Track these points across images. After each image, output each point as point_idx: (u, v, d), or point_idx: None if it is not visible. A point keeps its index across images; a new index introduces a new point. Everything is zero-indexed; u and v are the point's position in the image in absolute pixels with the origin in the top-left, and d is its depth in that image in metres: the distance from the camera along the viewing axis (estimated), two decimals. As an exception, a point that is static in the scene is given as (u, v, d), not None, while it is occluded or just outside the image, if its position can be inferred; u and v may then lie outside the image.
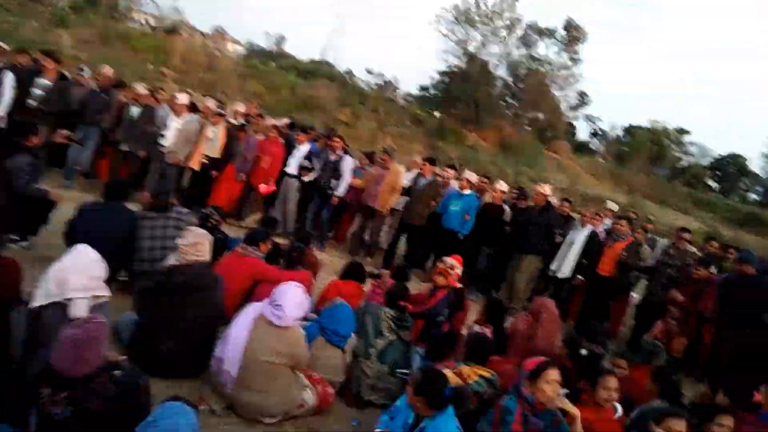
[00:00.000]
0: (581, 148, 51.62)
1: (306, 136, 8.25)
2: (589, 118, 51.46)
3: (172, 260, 3.78)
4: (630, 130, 48.98)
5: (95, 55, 28.55)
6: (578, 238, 7.60)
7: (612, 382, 3.64)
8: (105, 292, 3.14)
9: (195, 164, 7.76)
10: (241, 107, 8.98)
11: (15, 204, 4.72)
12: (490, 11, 39.65)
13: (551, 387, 3.08)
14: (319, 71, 41.54)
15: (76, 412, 2.23)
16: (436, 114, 41.39)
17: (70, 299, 2.97)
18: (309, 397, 3.64)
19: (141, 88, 7.82)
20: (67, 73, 7.54)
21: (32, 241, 5.08)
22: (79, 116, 7.41)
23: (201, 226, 5.07)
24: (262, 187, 8.00)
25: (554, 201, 8.60)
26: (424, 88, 42.65)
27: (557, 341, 4.88)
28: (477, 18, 40.28)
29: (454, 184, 8.44)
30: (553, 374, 3.10)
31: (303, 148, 8.16)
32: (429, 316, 4.67)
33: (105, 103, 7.52)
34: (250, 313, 3.50)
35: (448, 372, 3.67)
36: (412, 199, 8.06)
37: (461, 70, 39.13)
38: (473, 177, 8.20)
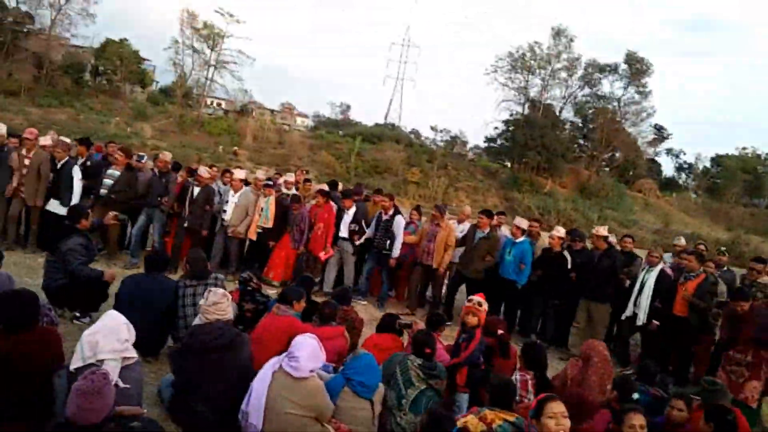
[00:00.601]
0: (668, 184, 49.17)
1: (351, 200, 8.53)
2: (671, 152, 49.24)
3: (196, 321, 4.04)
4: (718, 160, 46.32)
5: (174, 142, 31.00)
6: (648, 279, 7.25)
7: (637, 419, 3.52)
8: (133, 353, 3.41)
9: (252, 235, 8.29)
10: (290, 177, 9.51)
11: (75, 283, 5.23)
12: (546, 54, 39.38)
13: (554, 421, 3.02)
14: (384, 134, 42.60)
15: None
16: (507, 164, 41.00)
17: (102, 361, 3.24)
18: (339, 452, 3.69)
19: (203, 171, 8.44)
20: (132, 163, 8.32)
21: (93, 317, 5.52)
22: (144, 200, 8.19)
23: (242, 290, 5.41)
24: (322, 254, 8.29)
25: (613, 240, 8.33)
26: (490, 140, 42.57)
27: (608, 385, 4.71)
28: (534, 62, 40.16)
29: (506, 231, 8.38)
30: (555, 407, 3.04)
31: (350, 212, 8.45)
32: (469, 363, 4.65)
33: (164, 187, 8.21)
34: (269, 366, 3.67)
35: (471, 417, 3.65)
36: (467, 252, 8.06)
37: (525, 117, 38.91)
38: (524, 223, 8.10)
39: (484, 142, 43.97)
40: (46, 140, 8.02)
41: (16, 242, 7.89)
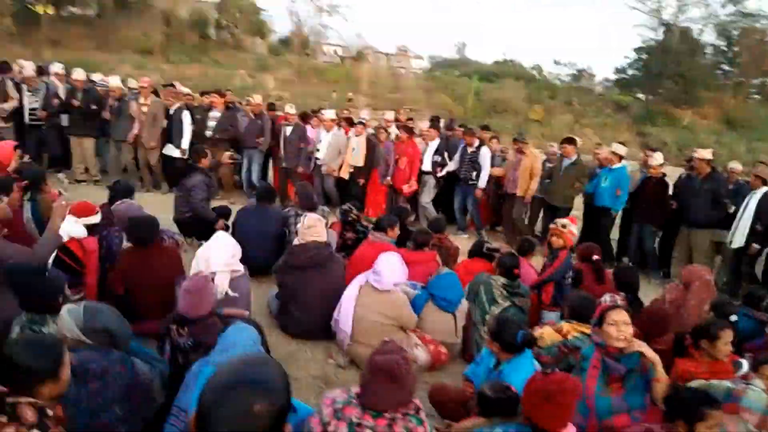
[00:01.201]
0: (826, 107, 42.63)
1: (436, 132, 8.61)
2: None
3: (295, 241, 4.50)
4: None
5: (295, 91, 32.22)
6: (750, 202, 6.76)
7: (728, 335, 3.44)
8: (240, 267, 3.93)
9: (344, 173, 8.66)
10: (389, 115, 9.76)
11: (197, 216, 5.94)
12: (682, -31, 34.93)
13: (615, 328, 3.08)
14: (503, 72, 40.97)
15: (196, 343, 2.95)
16: (640, 97, 37.84)
17: (214, 273, 3.77)
18: (421, 354, 4.05)
19: (289, 109, 8.94)
20: (231, 104, 9.04)
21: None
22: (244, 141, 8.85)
23: (343, 220, 5.83)
24: (405, 188, 8.48)
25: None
26: (620, 71, 39.18)
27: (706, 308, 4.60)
28: (668, -20, 35.87)
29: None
30: (617, 316, 3.09)
31: (432, 144, 8.54)
32: (555, 281, 4.75)
33: (260, 128, 8.78)
34: (357, 281, 4.06)
35: (547, 329, 3.81)
36: (554, 180, 7.92)
37: (659, 43, 35.31)
38: (621, 149, 7.80)
39: (614, 73, 40.64)
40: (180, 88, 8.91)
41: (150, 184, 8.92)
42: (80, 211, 4.02)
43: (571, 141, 7.93)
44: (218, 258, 3.80)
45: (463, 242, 7.09)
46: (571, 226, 5.00)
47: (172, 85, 9.28)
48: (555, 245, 4.93)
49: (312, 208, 5.65)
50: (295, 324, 4.34)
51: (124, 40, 41.68)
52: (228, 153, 7.59)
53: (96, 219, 4.08)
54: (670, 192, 7.46)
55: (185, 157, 8.24)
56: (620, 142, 8.47)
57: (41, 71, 8.97)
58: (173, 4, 42.03)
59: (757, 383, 2.99)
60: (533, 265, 5.36)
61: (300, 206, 5.73)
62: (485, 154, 8.24)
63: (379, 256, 4.05)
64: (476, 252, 5.26)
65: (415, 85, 36.16)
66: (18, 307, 2.85)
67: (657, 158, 7.56)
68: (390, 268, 3.96)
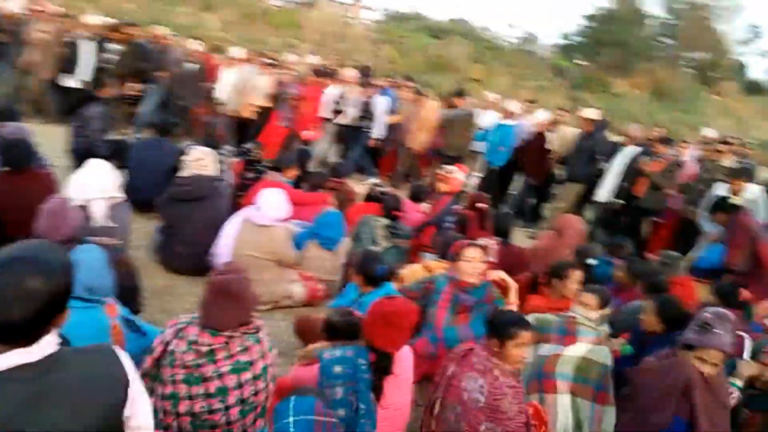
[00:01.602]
0: (753, 88, 45.04)
1: (330, 80, 8.52)
2: (764, 54, 44.86)
3: (181, 173, 4.51)
4: (815, 61, 41.85)
5: (240, 34, 31.09)
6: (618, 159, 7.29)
7: (577, 275, 3.73)
8: (118, 195, 3.89)
9: (246, 113, 8.25)
10: (311, 59, 9.61)
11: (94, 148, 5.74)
12: (638, -61, 35.30)
13: (471, 265, 3.31)
14: (453, 30, 40.74)
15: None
16: (580, 63, 38.54)
17: (89, 200, 3.75)
18: (297, 290, 4.23)
19: (195, 45, 8.62)
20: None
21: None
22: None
23: (244, 160, 5.84)
24: (305, 133, 8.31)
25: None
26: (566, 37, 39.77)
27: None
28: (621, -51, 36.38)
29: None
30: (472, 253, 3.31)
31: (333, 92, 8.41)
32: (436, 223, 4.97)
33: (159, 60, 8.35)
34: (238, 216, 4.13)
35: (416, 266, 4.02)
36: (447, 131, 8.16)
37: (610, 12, 35.87)
38: (513, 105, 8.28)
39: (560, 38, 41.16)
40: (93, 19, 8.42)
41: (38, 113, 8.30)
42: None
43: (460, 94, 8.37)
44: (92, 184, 3.75)
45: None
46: (457, 173, 5.21)
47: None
48: (440, 190, 5.15)
49: (214, 146, 5.60)
50: (174, 258, 4.38)
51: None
52: (132, 84, 7.31)
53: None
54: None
55: (79, 87, 7.90)
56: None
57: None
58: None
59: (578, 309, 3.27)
60: (424, 211, 5.56)
61: (203, 142, 5.66)
62: (380, 103, 8.36)
63: (261, 191, 4.13)
64: (369, 196, 5.42)
65: (364, 37, 35.50)
66: None
67: (540, 115, 8.18)
68: (271, 203, 4.05)
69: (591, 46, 34.95)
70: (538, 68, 36.32)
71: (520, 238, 6.79)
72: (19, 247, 1.33)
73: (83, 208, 3.67)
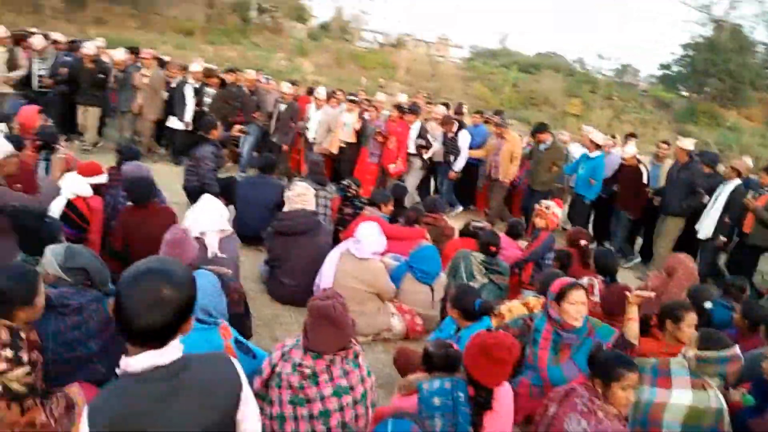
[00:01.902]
0: None
1: (414, 116, 8.53)
2: None
3: (285, 208, 4.73)
4: None
5: (331, 76, 32.43)
6: (721, 194, 6.79)
7: (692, 318, 3.51)
8: (228, 227, 4.16)
9: (334, 148, 8.61)
10: (402, 98, 9.84)
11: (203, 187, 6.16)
12: (734, -36, 33.62)
13: (575, 308, 3.19)
14: (544, 64, 40.36)
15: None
16: (684, 94, 36.75)
17: (203, 233, 4.02)
18: (397, 323, 4.27)
19: (285, 87, 9.01)
20: (227, 81, 9.16)
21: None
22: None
23: (342, 196, 6.03)
24: (392, 168, 8.43)
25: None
26: (665, 67, 38.17)
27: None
28: (720, -24, 34.59)
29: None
30: (577, 296, 3.20)
31: (414, 127, 8.45)
32: (535, 260, 4.88)
33: (256, 103, 8.95)
34: (338, 249, 4.27)
35: (515, 302, 3.95)
36: (532, 164, 8.17)
37: (708, 41, 34.18)
38: (598, 137, 7.93)
39: (659, 69, 39.55)
40: (195, 66, 9.16)
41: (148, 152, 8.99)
42: (87, 170, 4.31)
43: (544, 128, 8.18)
44: (206, 218, 4.03)
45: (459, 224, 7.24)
46: (554, 208, 5.12)
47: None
48: (537, 225, 5.08)
49: (322, 183, 5.86)
50: (280, 288, 4.59)
51: (166, 20, 42.50)
52: (238, 126, 7.85)
53: (102, 179, 4.37)
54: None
55: (189, 129, 8.53)
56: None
57: (72, 46, 9.39)
58: (218, -14, 42.80)
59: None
60: (521, 247, 5.48)
61: (311, 179, 5.90)
62: (464, 138, 8.42)
63: (359, 225, 4.25)
64: (465, 231, 5.42)
65: (453, 74, 35.92)
66: (17, 252, 3.12)
67: (629, 148, 7.73)
68: (368, 237, 4.15)
69: (694, 76, 33.25)
70: (638, 100, 35.05)
71: (626, 276, 6.52)
72: (153, 261, 1.51)
73: (199, 239, 3.94)
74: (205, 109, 8.76)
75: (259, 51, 39.08)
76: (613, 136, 8.66)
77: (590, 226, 8.28)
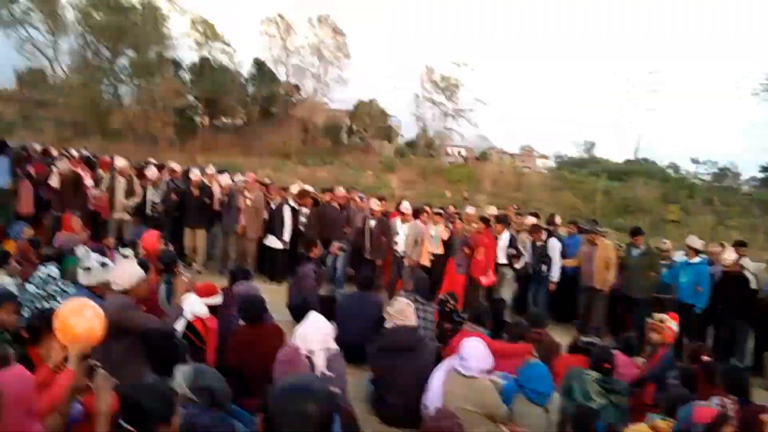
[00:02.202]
0: None
1: (502, 226, 8.59)
2: None
3: (387, 325, 4.73)
4: None
5: (418, 190, 33.46)
6: None
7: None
8: (335, 346, 4.20)
9: (425, 260, 8.75)
10: (492, 209, 9.95)
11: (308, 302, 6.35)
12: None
13: None
14: (634, 171, 39.85)
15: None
16: (793, 198, 34.56)
17: (312, 351, 4.10)
18: (512, 448, 4.01)
19: (374, 204, 9.38)
20: (319, 200, 9.74)
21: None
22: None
23: (440, 311, 6.00)
24: (483, 279, 8.39)
25: None
26: (766, 169, 36.65)
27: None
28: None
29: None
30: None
31: (503, 237, 8.50)
32: (656, 379, 4.53)
33: (345, 219, 9.31)
34: (444, 367, 4.17)
35: (642, 426, 3.65)
36: (627, 271, 7.91)
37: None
38: (696, 242, 7.63)
39: (760, 171, 38.00)
40: (294, 188, 9.78)
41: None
42: (204, 292, 4.57)
43: (638, 232, 8.09)
44: (313, 336, 4.10)
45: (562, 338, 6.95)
46: (669, 321, 4.82)
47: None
48: (654, 341, 4.75)
49: (427, 298, 5.90)
50: (387, 408, 4.50)
51: (265, 145, 46.24)
52: (338, 244, 8.15)
53: (218, 300, 4.61)
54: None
55: (286, 248, 8.98)
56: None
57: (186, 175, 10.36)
58: (311, 113, 46.62)
59: None
60: (638, 365, 5.13)
61: (416, 294, 5.94)
62: (554, 247, 8.29)
63: (463, 342, 4.17)
64: (574, 347, 5.17)
65: (540, 184, 36.06)
66: (147, 372, 3.31)
67: (728, 254, 7.41)
68: (475, 354, 4.04)
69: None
70: (742, 205, 33.40)
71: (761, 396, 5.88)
72: (297, 379, 1.67)
73: (307, 358, 4.01)
74: (301, 228, 9.20)
75: (349, 170, 41.18)
76: (722, 245, 8.20)
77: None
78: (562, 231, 9.50)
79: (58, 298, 4.45)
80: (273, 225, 9.22)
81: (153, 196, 9.40)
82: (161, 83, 44.28)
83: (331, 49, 48.51)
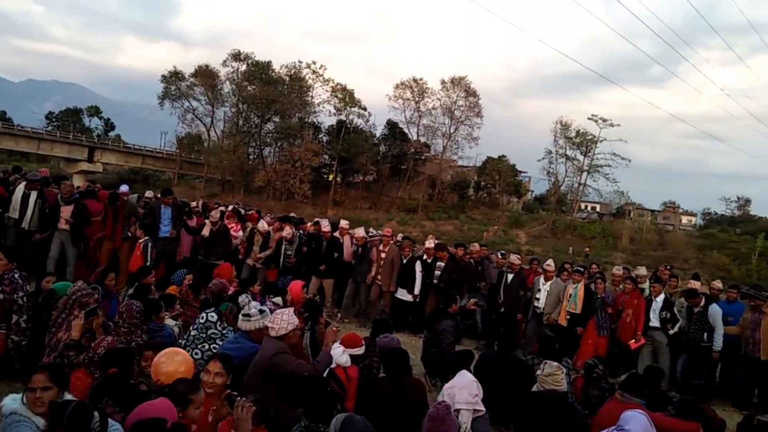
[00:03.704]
0: None
1: (659, 287, 7.94)
2: None
3: (534, 388, 4.51)
4: None
5: (546, 246, 32.47)
6: None
7: None
8: (482, 407, 4.10)
9: (562, 320, 8.35)
10: (641, 270, 9.28)
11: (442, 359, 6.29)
12: None
13: None
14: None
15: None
16: None
17: (458, 410, 4.02)
18: None
19: (514, 258, 9.18)
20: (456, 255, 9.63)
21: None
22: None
23: (586, 376, 5.63)
24: (632, 343, 7.83)
25: None
26: None
27: None
28: None
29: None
30: None
31: (659, 299, 7.85)
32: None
33: (480, 273, 9.23)
34: (605, 438, 3.85)
35: None
36: None
37: None
38: None
39: None
40: (429, 243, 9.84)
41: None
42: (349, 342, 4.68)
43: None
44: (461, 395, 4.04)
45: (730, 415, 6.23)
46: None
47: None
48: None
49: (554, 358, 5.59)
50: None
51: (393, 200, 47.58)
52: (473, 299, 8.03)
53: (361, 350, 4.69)
54: None
55: (416, 301, 9.08)
56: None
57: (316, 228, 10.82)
58: (439, 170, 47.41)
59: None
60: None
61: (540, 353, 5.72)
62: (716, 313, 7.52)
63: (625, 413, 3.83)
64: (748, 426, 4.57)
65: (685, 243, 33.58)
66: (297, 416, 3.40)
67: None
68: (638, 428, 3.70)
69: None
70: None
71: None
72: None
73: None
74: (435, 281, 9.23)
75: (474, 224, 41.15)
76: None
77: None
78: (721, 296, 8.65)
79: (218, 341, 4.76)
80: (404, 278, 9.33)
81: (287, 250, 9.84)
82: (301, 145, 47.62)
83: (462, 109, 49.48)
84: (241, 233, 10.07)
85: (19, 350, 4.66)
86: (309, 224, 11.00)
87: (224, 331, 4.88)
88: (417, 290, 9.19)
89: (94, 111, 75.49)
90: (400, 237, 11.40)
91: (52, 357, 4.30)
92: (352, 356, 4.61)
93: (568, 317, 8.39)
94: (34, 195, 8.19)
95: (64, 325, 4.48)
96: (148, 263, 7.82)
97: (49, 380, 2.74)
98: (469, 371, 6.10)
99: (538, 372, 4.57)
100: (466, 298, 8.87)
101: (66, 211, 8.18)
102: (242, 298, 5.27)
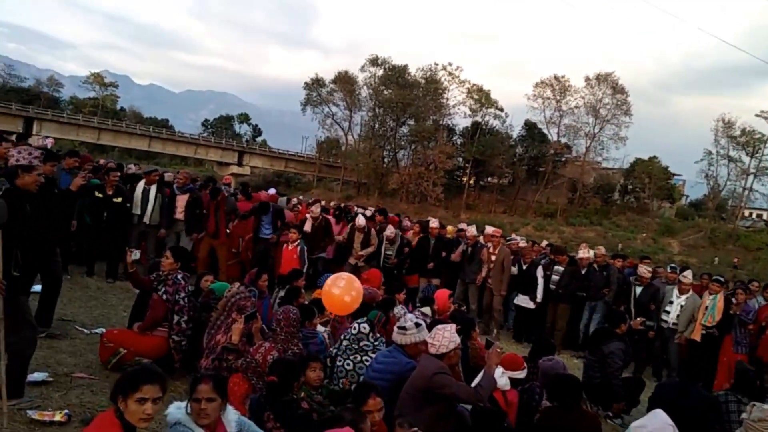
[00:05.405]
0: None
1: None
2: None
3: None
4: None
5: (703, 257, 29.53)
6: None
7: None
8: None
9: (696, 336, 7.61)
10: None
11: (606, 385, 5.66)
12: None
13: None
14: None
15: None
16: None
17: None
18: None
19: (643, 270, 8.29)
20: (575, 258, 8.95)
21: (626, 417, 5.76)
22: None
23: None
24: None
25: None
26: None
27: None
28: None
29: None
30: None
31: None
32: None
33: (606, 279, 8.47)
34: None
35: None
36: None
37: None
38: None
39: None
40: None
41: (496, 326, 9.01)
42: (509, 364, 4.29)
43: None
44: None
45: None
46: None
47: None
48: None
49: (756, 397, 4.77)
50: None
51: (529, 204, 45.97)
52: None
53: (522, 374, 4.29)
54: None
55: (535, 308, 8.59)
56: None
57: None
58: (581, 172, 44.90)
59: None
60: None
61: (738, 390, 4.89)
62: None
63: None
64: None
65: None
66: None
67: None
68: None
69: None
70: None
71: None
72: None
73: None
74: (552, 287, 8.67)
75: (620, 231, 38.74)
76: None
77: None
78: None
79: (370, 354, 4.58)
80: (524, 284, 8.84)
81: (387, 249, 9.62)
82: (435, 147, 47.65)
83: (609, 107, 46.51)
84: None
85: (179, 350, 4.77)
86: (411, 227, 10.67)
87: (376, 343, 4.70)
88: (539, 297, 8.60)
89: (244, 118, 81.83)
90: (544, 244, 10.76)
91: (210, 359, 4.36)
92: (511, 379, 4.24)
93: (703, 332, 7.59)
94: (153, 189, 8.22)
95: (223, 327, 4.54)
96: (304, 267, 7.90)
97: (213, 390, 2.69)
98: (637, 401, 5.46)
99: (744, 416, 3.85)
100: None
101: (182, 200, 8.36)
102: (398, 310, 5.07)
